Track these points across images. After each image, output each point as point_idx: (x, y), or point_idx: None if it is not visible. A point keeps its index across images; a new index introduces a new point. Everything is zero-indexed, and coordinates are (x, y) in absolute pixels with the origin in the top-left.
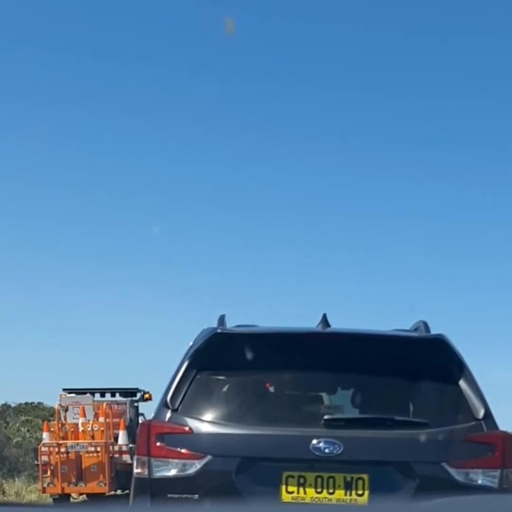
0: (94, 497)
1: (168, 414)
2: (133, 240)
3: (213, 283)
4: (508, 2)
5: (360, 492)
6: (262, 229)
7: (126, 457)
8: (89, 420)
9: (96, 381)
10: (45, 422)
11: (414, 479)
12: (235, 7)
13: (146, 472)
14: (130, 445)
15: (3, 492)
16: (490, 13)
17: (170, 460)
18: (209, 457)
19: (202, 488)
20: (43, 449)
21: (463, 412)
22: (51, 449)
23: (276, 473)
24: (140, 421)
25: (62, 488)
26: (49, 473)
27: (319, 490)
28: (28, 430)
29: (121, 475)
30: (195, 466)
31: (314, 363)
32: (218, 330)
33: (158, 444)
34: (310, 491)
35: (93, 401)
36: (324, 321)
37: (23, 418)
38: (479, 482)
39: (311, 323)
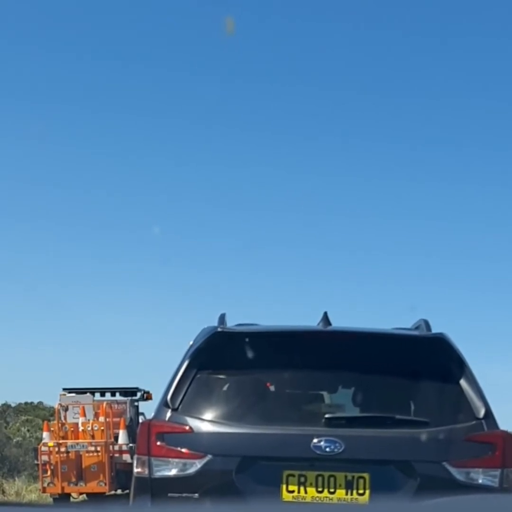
0: (94, 497)
1: (168, 414)
2: (133, 240)
3: (213, 283)
4: (508, 2)
5: (361, 491)
6: (262, 229)
7: (126, 457)
8: (89, 420)
9: (96, 380)
10: (45, 422)
11: (415, 478)
12: (235, 7)
13: (146, 472)
14: (130, 445)
15: (3, 492)
16: (490, 13)
17: (170, 459)
18: (209, 457)
19: (203, 487)
20: (43, 448)
21: (464, 411)
22: (51, 448)
23: (276, 472)
24: (140, 421)
25: (62, 488)
26: (49, 472)
27: (320, 489)
28: (28, 430)
29: (121, 475)
30: (196, 465)
31: (315, 361)
32: (219, 329)
33: (158, 443)
34: (311, 490)
35: (93, 400)
36: (325, 319)
37: (23, 417)
38: (480, 481)
39: (311, 323)
